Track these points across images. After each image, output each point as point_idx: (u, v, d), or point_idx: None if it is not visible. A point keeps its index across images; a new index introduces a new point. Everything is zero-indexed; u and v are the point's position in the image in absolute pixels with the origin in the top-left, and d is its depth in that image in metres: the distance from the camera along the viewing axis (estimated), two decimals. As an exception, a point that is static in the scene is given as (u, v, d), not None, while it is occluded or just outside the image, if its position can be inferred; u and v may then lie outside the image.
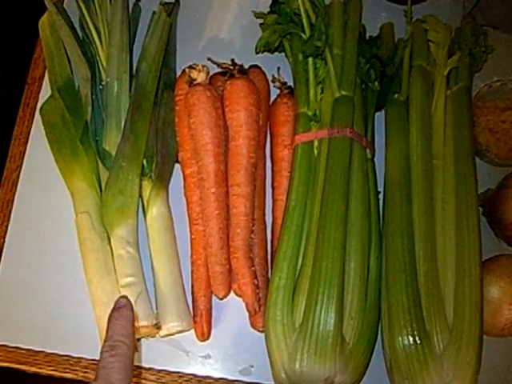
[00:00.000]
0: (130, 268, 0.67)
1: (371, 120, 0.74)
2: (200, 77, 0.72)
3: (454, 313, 0.61)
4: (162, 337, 0.68)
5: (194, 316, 0.69)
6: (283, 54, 0.79)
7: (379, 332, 0.65)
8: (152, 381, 0.70)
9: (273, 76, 0.78)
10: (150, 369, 0.70)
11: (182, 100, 0.74)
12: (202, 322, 0.69)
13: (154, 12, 0.78)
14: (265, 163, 0.75)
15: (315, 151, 0.69)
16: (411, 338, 0.59)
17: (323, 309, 0.59)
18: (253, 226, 0.70)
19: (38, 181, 0.78)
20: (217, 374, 0.70)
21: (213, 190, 0.69)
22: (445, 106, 0.73)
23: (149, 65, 0.74)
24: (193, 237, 0.72)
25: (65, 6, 0.82)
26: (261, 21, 0.78)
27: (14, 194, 0.78)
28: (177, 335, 0.69)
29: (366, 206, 0.66)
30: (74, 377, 0.71)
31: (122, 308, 0.45)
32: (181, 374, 0.70)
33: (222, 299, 0.70)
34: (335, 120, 0.67)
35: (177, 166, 0.76)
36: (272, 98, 0.78)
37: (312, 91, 0.71)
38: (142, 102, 0.72)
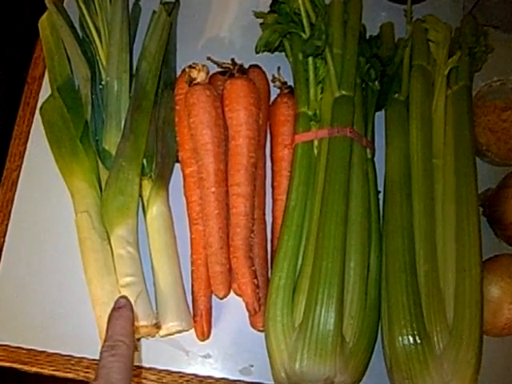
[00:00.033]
0: (129, 268, 0.67)
1: (371, 120, 0.74)
2: (200, 76, 0.72)
3: (454, 312, 0.61)
4: (161, 336, 0.68)
5: (194, 316, 0.69)
6: (283, 53, 0.79)
7: (379, 332, 0.65)
8: (152, 380, 0.70)
9: (273, 75, 0.78)
10: (150, 368, 0.70)
11: (181, 99, 0.74)
12: (201, 321, 0.69)
13: (154, 11, 0.78)
14: (265, 163, 0.75)
15: (315, 151, 0.69)
16: (411, 338, 0.60)
17: (323, 308, 0.59)
18: (253, 226, 0.70)
19: (37, 180, 0.78)
20: (217, 374, 0.70)
21: (213, 189, 0.69)
22: (445, 106, 0.73)
23: (149, 64, 0.74)
24: (193, 236, 0.72)
25: (65, 5, 0.82)
26: (261, 20, 0.78)
27: (14, 194, 0.78)
28: (177, 335, 0.69)
29: (366, 205, 0.66)
30: (75, 377, 0.71)
31: (121, 308, 0.45)
32: (181, 374, 0.70)
33: (221, 299, 0.70)
34: (335, 120, 0.67)
35: (177, 165, 0.76)
36: (272, 98, 0.78)
37: (312, 91, 0.71)
38: (141, 102, 0.72)
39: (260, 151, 0.74)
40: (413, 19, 0.78)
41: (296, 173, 0.68)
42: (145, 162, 0.72)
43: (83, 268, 0.68)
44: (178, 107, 0.75)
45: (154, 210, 0.70)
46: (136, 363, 0.70)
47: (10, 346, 0.72)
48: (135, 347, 0.45)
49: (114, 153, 0.70)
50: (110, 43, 0.74)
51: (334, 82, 0.69)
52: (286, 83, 0.77)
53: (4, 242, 0.76)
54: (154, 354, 0.71)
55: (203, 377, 0.70)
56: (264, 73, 0.78)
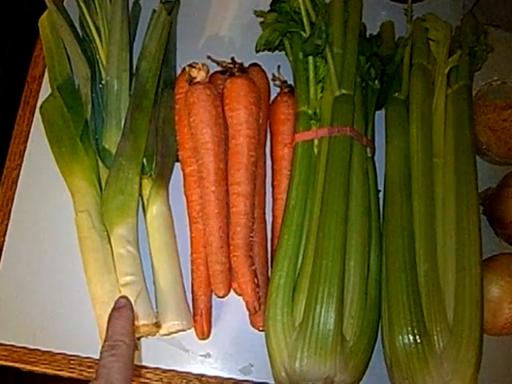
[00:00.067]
0: (129, 267, 0.67)
1: (371, 119, 0.74)
2: (200, 75, 0.72)
3: (454, 312, 0.61)
4: (162, 335, 0.68)
5: (194, 315, 0.69)
6: (283, 52, 0.79)
7: (379, 331, 0.65)
8: (152, 380, 0.70)
9: (273, 74, 0.78)
10: (149, 367, 0.70)
11: (182, 98, 0.74)
12: (201, 320, 0.69)
13: (154, 10, 0.78)
14: (265, 162, 0.75)
15: (315, 150, 0.69)
16: (411, 337, 0.59)
17: (323, 308, 0.59)
18: (253, 225, 0.70)
19: (37, 179, 0.78)
20: (217, 373, 0.70)
21: (213, 188, 0.69)
22: (445, 105, 0.73)
23: (149, 63, 0.74)
24: (193, 235, 0.72)
25: (65, 4, 0.82)
26: (261, 19, 0.78)
27: (14, 193, 0.78)
28: (177, 334, 0.69)
29: (366, 204, 0.66)
30: (80, 377, 0.71)
31: (122, 308, 0.46)
32: (181, 373, 0.70)
33: (221, 298, 0.70)
34: (335, 119, 0.67)
35: (177, 164, 0.76)
36: (272, 97, 0.78)
37: (312, 90, 0.71)
38: (142, 101, 0.72)
39: (260, 150, 0.74)
40: (413, 18, 0.78)
41: (296, 172, 0.67)
42: (145, 161, 0.72)
43: (83, 267, 0.68)
44: (178, 106, 0.75)
45: (154, 209, 0.70)
46: (136, 362, 0.70)
47: (7, 345, 0.72)
48: (135, 346, 0.45)
49: (114, 152, 0.70)
50: (110, 42, 0.74)
51: (334, 81, 0.69)
52: (286, 82, 0.77)
53: (4, 241, 0.76)
54: (154, 353, 0.71)
55: (203, 376, 0.70)
56: (264, 72, 0.78)
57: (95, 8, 0.76)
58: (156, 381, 0.70)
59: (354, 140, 0.67)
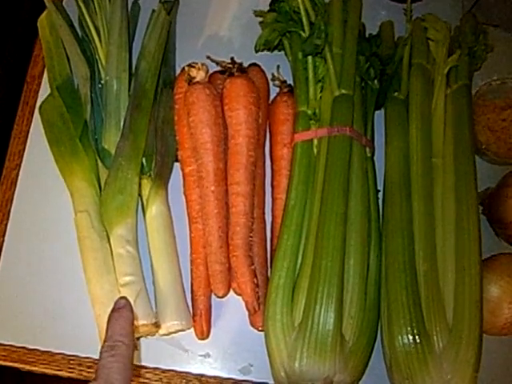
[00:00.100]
0: (129, 267, 0.67)
1: (371, 118, 0.74)
2: (199, 75, 0.72)
3: (453, 312, 0.61)
4: (161, 335, 0.68)
5: (194, 315, 0.69)
6: (283, 52, 0.79)
7: (379, 331, 0.65)
8: (151, 380, 0.70)
9: (272, 74, 0.78)
10: (149, 367, 0.70)
11: (181, 98, 0.74)
12: (201, 320, 0.69)
13: (153, 10, 0.78)
14: (264, 162, 0.75)
15: (315, 150, 0.69)
16: (411, 337, 0.59)
17: (323, 308, 0.59)
18: (252, 225, 0.70)
19: (37, 180, 0.78)
20: (216, 373, 0.70)
21: (212, 188, 0.69)
22: (445, 105, 0.73)
23: (148, 63, 0.74)
24: (192, 235, 0.72)
25: (64, 4, 0.82)
26: (260, 19, 0.78)
27: (14, 193, 0.78)
28: (176, 334, 0.69)
29: (365, 204, 0.66)
30: (79, 377, 0.71)
31: (121, 308, 0.46)
32: (181, 373, 0.70)
33: (221, 298, 0.70)
34: (335, 118, 0.67)
35: (176, 164, 0.76)
36: (271, 97, 0.78)
37: (311, 90, 0.71)
38: (141, 101, 0.72)
39: (259, 150, 0.74)
40: (412, 18, 0.78)
41: (295, 172, 0.67)
42: (144, 161, 0.72)
43: (82, 267, 0.68)
44: (177, 106, 0.75)
45: (154, 209, 0.70)
46: (135, 362, 0.70)
47: (7, 345, 0.71)
48: (135, 347, 0.45)
49: (113, 152, 0.70)
50: (110, 42, 0.74)
51: (333, 81, 0.69)
52: (285, 82, 0.77)
53: (3, 241, 0.76)
54: (153, 353, 0.71)
55: (202, 376, 0.70)
56: (263, 71, 0.78)
57: (94, 8, 0.76)
58: (155, 381, 0.70)
59: (353, 140, 0.67)
